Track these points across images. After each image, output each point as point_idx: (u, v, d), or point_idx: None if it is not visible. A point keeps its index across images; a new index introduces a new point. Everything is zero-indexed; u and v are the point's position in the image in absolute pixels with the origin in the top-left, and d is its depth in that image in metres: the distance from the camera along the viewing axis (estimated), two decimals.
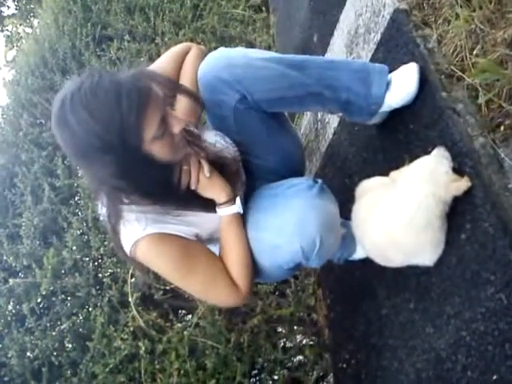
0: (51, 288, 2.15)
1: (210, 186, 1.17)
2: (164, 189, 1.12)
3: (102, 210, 1.13)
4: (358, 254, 1.52)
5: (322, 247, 1.15)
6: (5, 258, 2.43)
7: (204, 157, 1.19)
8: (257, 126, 1.36)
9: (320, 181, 1.23)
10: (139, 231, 1.09)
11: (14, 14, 8.17)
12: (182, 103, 1.31)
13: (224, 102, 1.29)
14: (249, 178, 1.37)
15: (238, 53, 1.32)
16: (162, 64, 1.36)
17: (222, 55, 1.30)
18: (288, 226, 1.15)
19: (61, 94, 0.99)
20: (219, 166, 1.23)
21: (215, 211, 1.20)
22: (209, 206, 1.19)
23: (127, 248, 1.12)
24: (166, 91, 1.09)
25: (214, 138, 1.31)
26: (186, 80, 1.35)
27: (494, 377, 0.94)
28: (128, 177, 1.02)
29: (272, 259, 1.20)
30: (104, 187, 1.07)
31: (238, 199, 1.19)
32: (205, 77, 1.28)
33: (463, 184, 1.03)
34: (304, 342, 1.88)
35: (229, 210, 1.18)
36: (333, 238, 1.22)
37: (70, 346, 2.03)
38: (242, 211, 1.20)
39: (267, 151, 1.39)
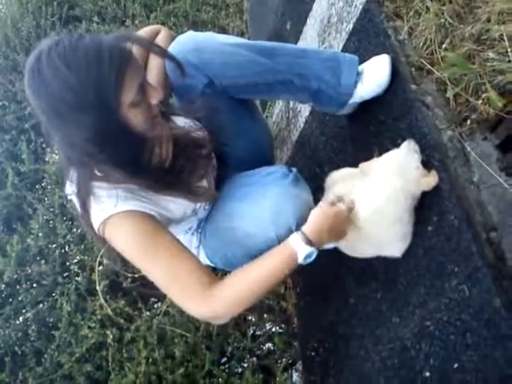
0: (15, 276, 2.10)
1: (341, 220, 1.11)
2: (135, 164, 1.07)
3: (72, 187, 1.08)
4: (327, 245, 1.52)
5: None
6: None
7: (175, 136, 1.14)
8: (225, 112, 1.34)
9: (294, 169, 1.23)
10: (110, 208, 1.04)
11: None
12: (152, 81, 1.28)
13: (191, 86, 1.27)
14: (218, 166, 1.35)
15: (207, 37, 1.29)
16: None
17: (190, 38, 1.28)
18: (264, 214, 1.14)
19: (36, 49, 0.94)
20: (191, 147, 1.20)
21: (185, 197, 1.17)
22: (180, 192, 1.16)
23: (96, 226, 1.07)
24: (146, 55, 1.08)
25: (183, 121, 1.29)
26: (154, 61, 1.32)
27: (455, 365, 0.97)
28: (101, 142, 0.97)
29: (246, 248, 1.18)
30: (75, 154, 1.02)
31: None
32: None
33: (433, 180, 1.04)
34: (273, 330, 1.89)
35: (305, 249, 1.06)
36: None
37: (35, 335, 1.99)
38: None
39: (235, 138, 1.38)
